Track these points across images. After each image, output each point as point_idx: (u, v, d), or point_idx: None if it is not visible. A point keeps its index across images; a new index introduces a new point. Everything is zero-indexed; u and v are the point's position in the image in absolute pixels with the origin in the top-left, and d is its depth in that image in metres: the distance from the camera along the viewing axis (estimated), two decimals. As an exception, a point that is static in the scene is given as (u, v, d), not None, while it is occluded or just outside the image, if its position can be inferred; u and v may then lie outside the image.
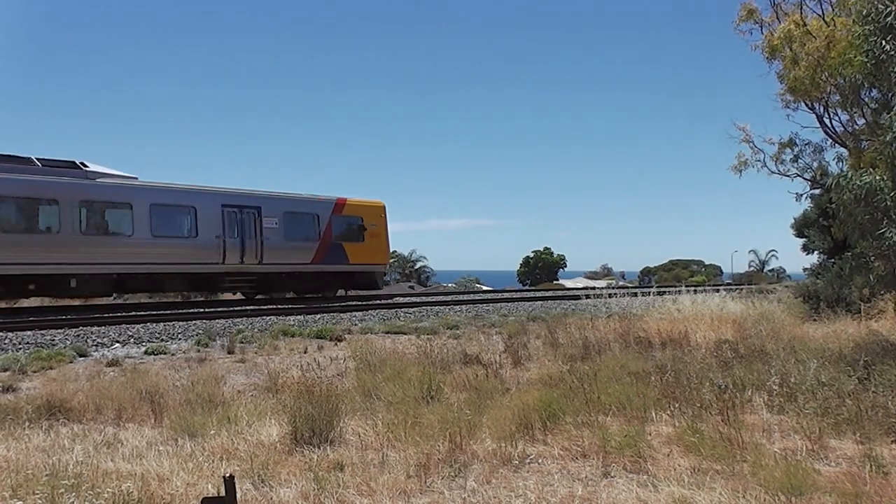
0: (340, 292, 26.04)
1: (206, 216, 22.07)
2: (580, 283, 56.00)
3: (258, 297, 24.37)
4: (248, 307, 20.39)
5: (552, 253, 71.17)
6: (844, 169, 17.46)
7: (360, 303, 22.99)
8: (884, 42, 8.74)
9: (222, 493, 3.56)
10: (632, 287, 34.14)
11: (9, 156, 19.18)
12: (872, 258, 9.58)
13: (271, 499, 4.67)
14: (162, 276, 21.48)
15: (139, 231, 20.73)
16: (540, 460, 5.46)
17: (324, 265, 24.80)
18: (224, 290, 24.14)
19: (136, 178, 21.54)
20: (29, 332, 13.90)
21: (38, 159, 19.69)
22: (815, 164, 24.22)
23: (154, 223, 21.06)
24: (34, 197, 19.01)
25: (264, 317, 17.77)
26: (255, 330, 14.86)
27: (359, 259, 25.78)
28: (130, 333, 14.19)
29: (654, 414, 6.54)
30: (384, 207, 27.51)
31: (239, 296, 25.05)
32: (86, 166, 20.48)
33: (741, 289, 26.79)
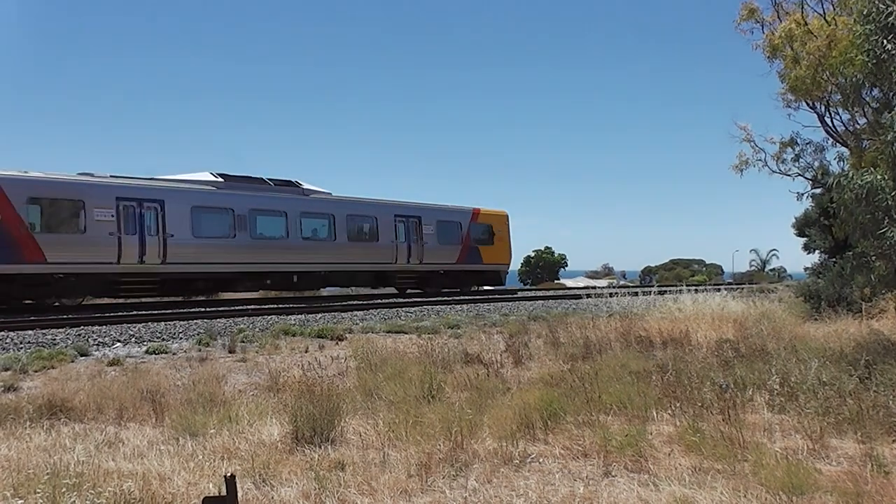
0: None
1: (384, 224, 27.21)
2: (581, 282, 55.98)
3: (409, 291, 28.75)
4: (248, 306, 20.46)
5: (553, 252, 71.02)
6: (845, 168, 17.45)
7: (360, 302, 23.05)
8: (885, 41, 8.74)
9: (223, 492, 3.56)
10: (633, 286, 34.14)
11: (248, 177, 24.47)
12: (873, 257, 9.58)
13: (272, 498, 4.67)
14: (354, 273, 26.82)
15: (339, 237, 26.00)
16: (541, 459, 5.46)
17: (465, 265, 29.67)
18: (394, 285, 28.54)
19: (330, 194, 26.56)
20: (30, 332, 13.91)
21: (269, 179, 24.88)
22: (817, 164, 24.25)
23: (349, 230, 26.45)
24: (273, 209, 24.33)
25: (265, 316, 17.78)
26: (256, 329, 14.86)
27: (490, 259, 30.57)
28: (131, 333, 14.20)
29: (655, 413, 6.54)
30: (508, 216, 32.17)
31: (240, 295, 25.29)
32: (300, 185, 25.61)
33: (742, 288, 26.78)
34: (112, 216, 20.20)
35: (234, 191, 23.37)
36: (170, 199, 21.58)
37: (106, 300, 22.29)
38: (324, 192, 26.20)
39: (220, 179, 23.40)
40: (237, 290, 24.36)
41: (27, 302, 19.70)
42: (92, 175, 20.88)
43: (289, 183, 25.21)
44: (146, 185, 21.54)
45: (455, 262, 29.24)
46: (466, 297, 26.34)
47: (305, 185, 25.63)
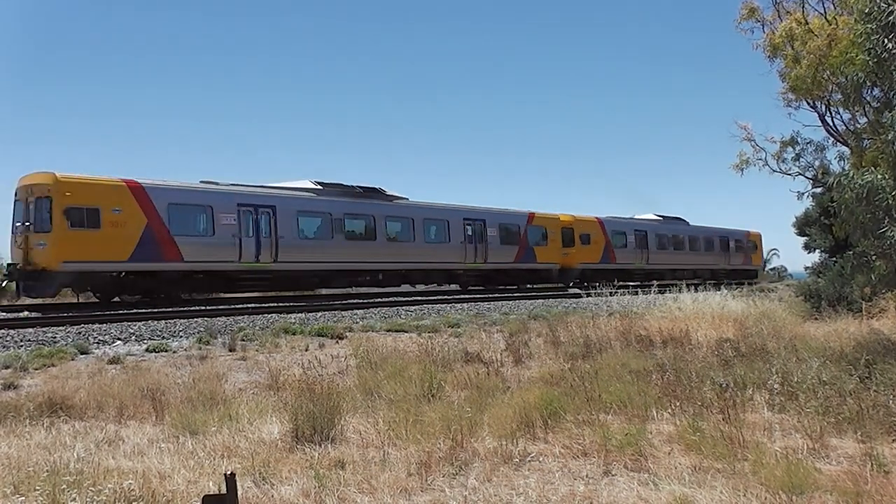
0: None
1: (716, 242, 44.43)
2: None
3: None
4: (249, 304, 20.43)
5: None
6: (846, 167, 17.45)
7: (361, 301, 23.05)
8: (886, 40, 8.73)
9: (223, 490, 3.57)
10: (633, 285, 34.22)
11: (670, 217, 42.10)
12: (874, 257, 9.58)
13: (272, 496, 4.67)
14: (699, 271, 41.54)
15: (700, 250, 42.94)
16: (541, 458, 5.46)
17: (743, 266, 46.71)
18: (711, 279, 39.07)
19: (688, 223, 43.43)
20: (30, 330, 13.91)
21: (659, 215, 41.58)
22: (817, 163, 24.31)
23: (705, 247, 43.38)
24: (669, 234, 40.99)
25: (265, 315, 17.76)
26: (257, 328, 14.84)
27: (755, 262, 48.83)
28: (132, 331, 14.20)
29: (655, 412, 6.54)
30: (761, 235, 50.29)
31: (241, 294, 25.28)
32: (683, 219, 43.07)
33: (742, 287, 26.80)
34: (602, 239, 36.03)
35: (667, 224, 41.19)
36: (650, 230, 39.25)
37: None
38: (684, 221, 42.89)
39: (660, 219, 41.12)
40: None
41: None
42: (603, 217, 37.06)
43: (677, 219, 42.38)
44: (629, 222, 38.91)
45: (741, 264, 46.31)
46: (467, 296, 26.38)
47: (687, 220, 43.17)
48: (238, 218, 21.90)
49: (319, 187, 25.24)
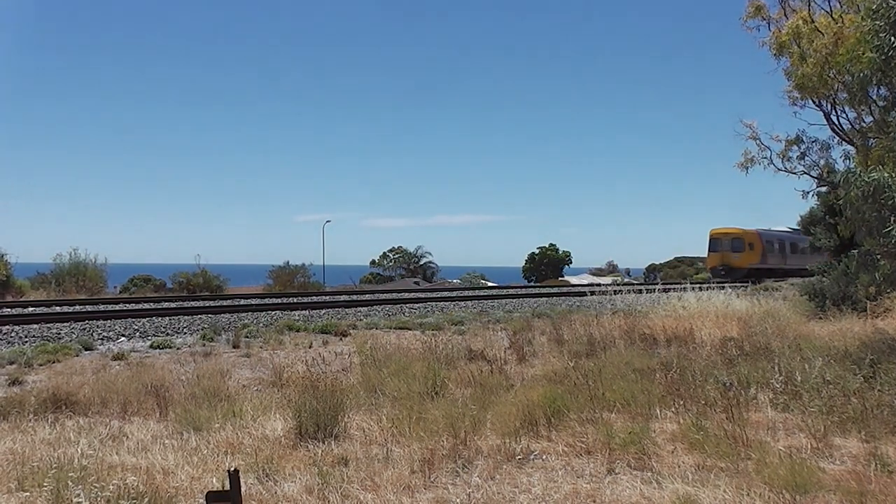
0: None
1: None
2: (585, 279, 55.86)
3: None
4: (252, 302, 20.51)
5: (557, 249, 70.96)
6: (852, 166, 17.36)
7: (364, 298, 23.10)
8: (893, 38, 8.69)
9: (227, 486, 3.57)
10: (637, 284, 34.16)
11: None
12: (879, 256, 9.54)
13: (275, 493, 4.67)
14: None
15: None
16: (544, 456, 5.46)
17: None
18: None
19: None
20: (35, 326, 13.97)
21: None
22: (822, 162, 24.21)
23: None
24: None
25: (269, 312, 17.80)
26: (261, 325, 14.88)
27: None
28: (136, 327, 14.25)
29: (658, 411, 6.52)
30: None
31: (244, 291, 25.49)
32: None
33: (746, 286, 26.76)
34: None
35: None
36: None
37: (108, 296, 22.45)
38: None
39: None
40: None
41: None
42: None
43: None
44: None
45: None
46: (470, 295, 26.39)
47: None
48: (780, 246, 46.79)
49: (788, 229, 48.65)
